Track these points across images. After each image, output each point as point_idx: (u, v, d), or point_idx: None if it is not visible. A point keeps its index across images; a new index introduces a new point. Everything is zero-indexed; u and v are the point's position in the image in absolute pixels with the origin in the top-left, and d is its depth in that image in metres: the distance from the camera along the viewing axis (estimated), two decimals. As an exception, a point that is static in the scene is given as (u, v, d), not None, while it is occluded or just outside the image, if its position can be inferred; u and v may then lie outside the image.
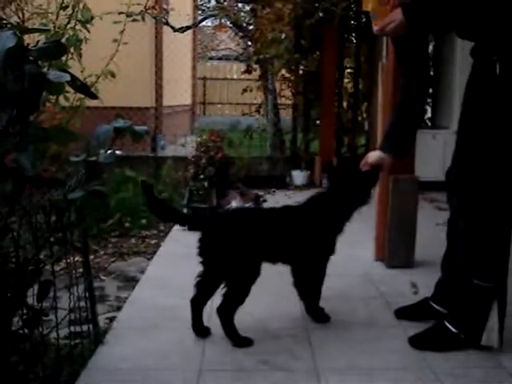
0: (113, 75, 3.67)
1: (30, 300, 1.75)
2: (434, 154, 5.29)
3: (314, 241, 2.42)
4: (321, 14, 5.68)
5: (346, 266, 3.19)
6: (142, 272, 3.32)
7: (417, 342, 2.30)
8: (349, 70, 6.70)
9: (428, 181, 4.37)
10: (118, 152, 1.83)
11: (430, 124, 6.21)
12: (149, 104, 7.77)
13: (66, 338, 2.12)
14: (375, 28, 2.20)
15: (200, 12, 12.24)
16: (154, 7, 6.63)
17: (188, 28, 8.24)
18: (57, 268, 2.11)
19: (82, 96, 3.32)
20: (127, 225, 4.41)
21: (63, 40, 3.25)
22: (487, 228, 2.20)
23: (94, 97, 1.68)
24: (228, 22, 9.20)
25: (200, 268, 2.32)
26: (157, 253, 3.71)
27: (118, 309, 2.77)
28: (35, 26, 3.28)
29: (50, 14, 3.61)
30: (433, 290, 2.54)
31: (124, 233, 4.29)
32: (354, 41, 6.71)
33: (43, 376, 1.87)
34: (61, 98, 3.30)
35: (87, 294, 2.30)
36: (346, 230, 2.48)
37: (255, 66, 6.76)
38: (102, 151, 1.77)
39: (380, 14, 2.17)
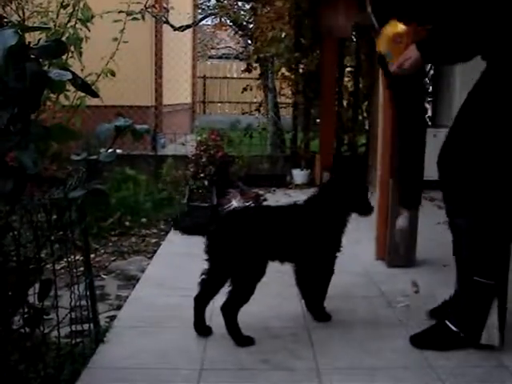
0: (113, 74, 3.66)
1: (30, 299, 1.74)
2: (434, 152, 5.27)
3: (320, 237, 2.42)
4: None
5: (346, 265, 3.16)
6: (143, 271, 3.32)
7: (418, 341, 2.30)
8: (349, 69, 6.68)
9: (428, 180, 4.35)
10: (118, 150, 1.83)
11: (430, 123, 6.20)
12: (149, 103, 7.78)
13: (67, 337, 2.12)
14: (392, 67, 2.22)
15: (200, 11, 12.25)
16: (154, 6, 6.64)
17: (188, 27, 8.26)
18: (58, 267, 2.11)
19: (83, 95, 3.32)
20: (127, 223, 4.41)
21: (63, 39, 3.25)
22: (488, 226, 2.19)
23: (95, 95, 1.67)
24: (228, 21, 9.19)
25: (204, 266, 2.32)
26: (157, 252, 3.71)
27: (119, 308, 2.76)
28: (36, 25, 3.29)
29: (50, 13, 3.61)
30: (434, 288, 2.54)
31: (124, 231, 4.28)
32: (354, 39, 6.70)
33: (44, 375, 1.87)
34: (61, 96, 3.29)
35: (88, 293, 2.30)
36: (347, 229, 2.48)
37: (255, 65, 6.76)
38: (102, 150, 1.77)
39: (394, 52, 2.19)
